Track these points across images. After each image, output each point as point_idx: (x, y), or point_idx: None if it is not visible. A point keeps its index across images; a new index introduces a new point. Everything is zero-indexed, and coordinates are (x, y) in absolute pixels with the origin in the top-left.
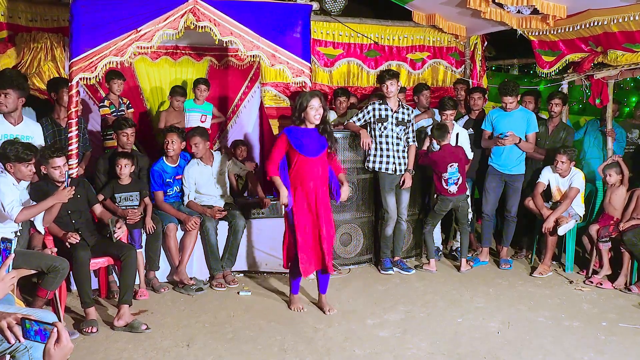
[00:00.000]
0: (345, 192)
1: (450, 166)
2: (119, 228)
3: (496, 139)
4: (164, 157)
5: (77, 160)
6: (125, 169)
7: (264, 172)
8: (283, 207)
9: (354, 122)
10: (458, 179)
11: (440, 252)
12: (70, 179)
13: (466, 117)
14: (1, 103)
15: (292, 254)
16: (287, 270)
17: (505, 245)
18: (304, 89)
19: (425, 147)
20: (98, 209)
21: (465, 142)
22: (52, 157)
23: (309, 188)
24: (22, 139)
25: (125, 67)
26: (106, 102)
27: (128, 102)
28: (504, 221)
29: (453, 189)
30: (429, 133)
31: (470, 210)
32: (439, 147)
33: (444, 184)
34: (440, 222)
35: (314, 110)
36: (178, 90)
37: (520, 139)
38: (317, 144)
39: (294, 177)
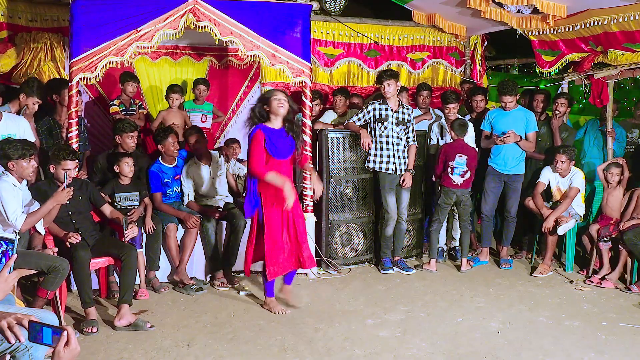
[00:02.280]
0: (318, 189)
1: (459, 156)
2: (130, 228)
3: (496, 138)
4: (160, 158)
5: (77, 160)
6: (132, 168)
7: (252, 177)
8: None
9: (354, 122)
10: (465, 171)
11: (445, 254)
12: (69, 181)
13: (467, 117)
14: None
15: (260, 257)
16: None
17: (505, 245)
18: (304, 89)
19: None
20: (107, 209)
21: (470, 136)
22: (66, 159)
23: (280, 191)
24: (10, 136)
25: (126, 67)
26: (116, 102)
27: (140, 102)
28: (503, 221)
29: (458, 179)
30: (448, 127)
31: (471, 207)
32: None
33: (449, 173)
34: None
35: (277, 101)
36: (174, 89)
37: (521, 137)
38: (287, 144)
39: (266, 183)
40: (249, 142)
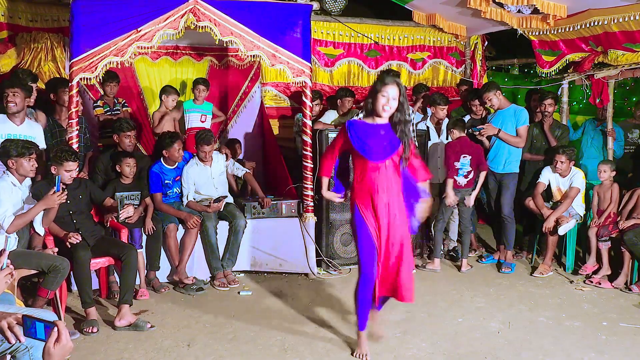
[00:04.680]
0: (424, 209)
1: (464, 157)
2: (125, 208)
3: (479, 134)
4: (162, 159)
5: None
6: (133, 169)
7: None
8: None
9: None
10: (469, 172)
11: (441, 252)
12: (61, 183)
13: (467, 117)
14: (10, 101)
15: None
16: (286, 270)
17: (508, 248)
18: (304, 89)
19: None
20: (109, 200)
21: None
22: (68, 161)
23: (379, 203)
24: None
25: (126, 67)
26: (100, 102)
27: (124, 101)
28: (501, 223)
29: (462, 180)
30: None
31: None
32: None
33: (453, 174)
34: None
35: (384, 99)
36: (168, 89)
37: (499, 129)
38: (386, 144)
39: (359, 187)
40: None
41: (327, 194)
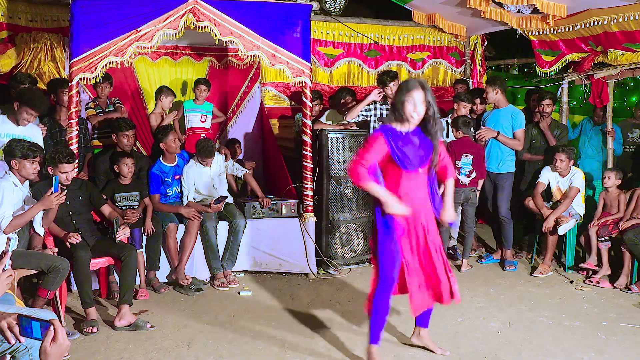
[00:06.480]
0: (448, 212)
1: (465, 156)
2: (122, 229)
3: (476, 135)
4: (161, 157)
5: (76, 161)
6: (131, 169)
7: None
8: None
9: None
10: (471, 171)
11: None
12: (60, 184)
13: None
14: (24, 119)
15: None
16: (286, 270)
17: (508, 247)
18: (304, 89)
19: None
20: (107, 209)
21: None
22: (62, 163)
23: (412, 214)
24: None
25: (125, 67)
26: (91, 104)
27: (116, 99)
28: (499, 223)
29: (464, 179)
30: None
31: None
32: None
33: (456, 173)
34: None
35: (412, 106)
36: (165, 90)
37: (498, 132)
38: (421, 151)
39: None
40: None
41: (388, 198)
